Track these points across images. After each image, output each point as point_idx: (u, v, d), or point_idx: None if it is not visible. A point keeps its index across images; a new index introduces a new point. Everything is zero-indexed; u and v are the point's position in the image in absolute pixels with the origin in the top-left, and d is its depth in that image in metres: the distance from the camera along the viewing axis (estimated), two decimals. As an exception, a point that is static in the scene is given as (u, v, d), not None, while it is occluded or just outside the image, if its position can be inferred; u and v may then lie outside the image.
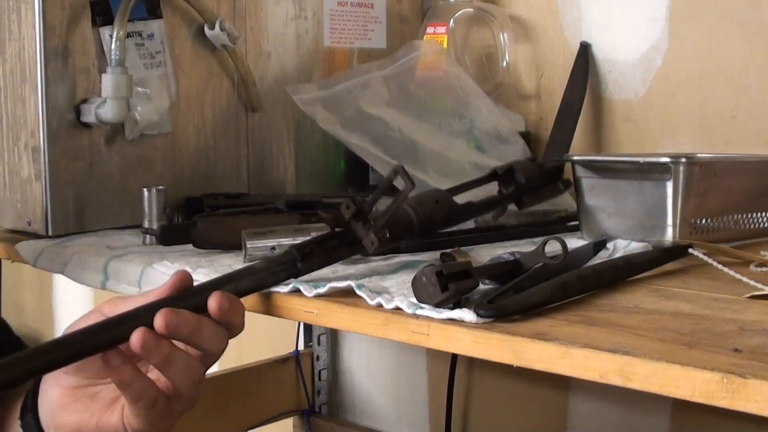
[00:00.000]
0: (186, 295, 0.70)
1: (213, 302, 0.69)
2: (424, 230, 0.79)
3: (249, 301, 0.79)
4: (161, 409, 0.71)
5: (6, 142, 1.10)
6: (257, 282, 0.74)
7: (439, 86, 1.26)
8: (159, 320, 0.66)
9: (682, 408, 1.31)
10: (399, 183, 0.75)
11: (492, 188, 0.94)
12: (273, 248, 0.88)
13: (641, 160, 0.98)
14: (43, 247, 1.01)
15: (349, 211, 0.75)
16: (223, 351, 0.72)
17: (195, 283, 0.73)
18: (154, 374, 0.72)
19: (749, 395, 0.51)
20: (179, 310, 0.68)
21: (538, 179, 0.90)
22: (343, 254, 0.78)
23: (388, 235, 0.75)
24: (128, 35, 1.07)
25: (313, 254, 0.75)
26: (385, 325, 0.69)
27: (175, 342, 0.69)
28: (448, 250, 0.85)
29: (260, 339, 1.81)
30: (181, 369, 0.69)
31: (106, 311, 0.73)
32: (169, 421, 0.73)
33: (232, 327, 0.71)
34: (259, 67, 1.23)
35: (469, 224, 1.06)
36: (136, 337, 0.66)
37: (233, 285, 0.72)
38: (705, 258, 0.85)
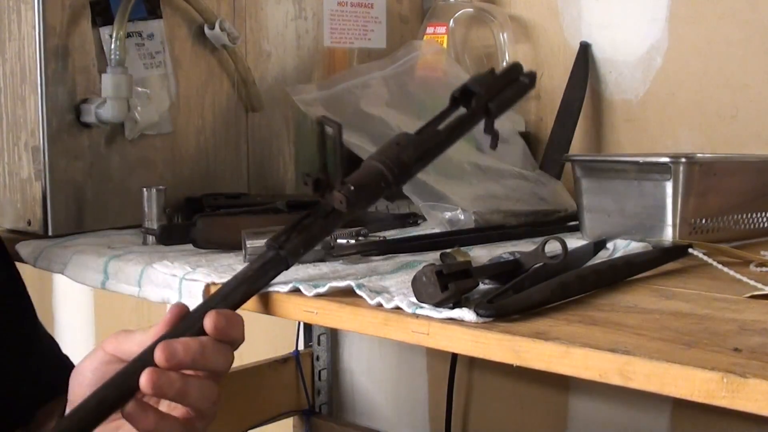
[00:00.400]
0: (183, 325, 0.70)
1: (209, 323, 0.69)
2: (399, 176, 0.75)
3: (249, 301, 0.79)
4: None
5: (6, 142, 1.10)
6: (249, 288, 0.73)
7: (439, 86, 1.26)
8: (159, 354, 0.66)
9: (682, 408, 1.31)
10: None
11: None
12: (273, 248, 0.88)
13: (641, 160, 0.98)
14: (43, 247, 1.01)
15: (309, 186, 0.73)
16: (230, 366, 0.72)
17: (192, 305, 0.73)
18: (165, 405, 0.72)
19: (749, 394, 0.51)
20: (178, 339, 0.68)
21: (496, 83, 0.84)
22: (321, 227, 0.75)
23: (352, 188, 0.72)
24: (128, 35, 1.07)
25: (292, 238, 0.73)
26: (385, 324, 0.70)
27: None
28: (448, 250, 0.85)
29: (260, 339, 1.80)
30: (197, 394, 0.69)
31: (109, 349, 0.73)
32: None
33: (233, 342, 0.71)
34: (259, 67, 1.23)
35: (470, 224, 1.06)
36: (145, 381, 0.66)
37: (225, 301, 0.72)
38: (705, 258, 0.85)
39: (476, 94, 0.82)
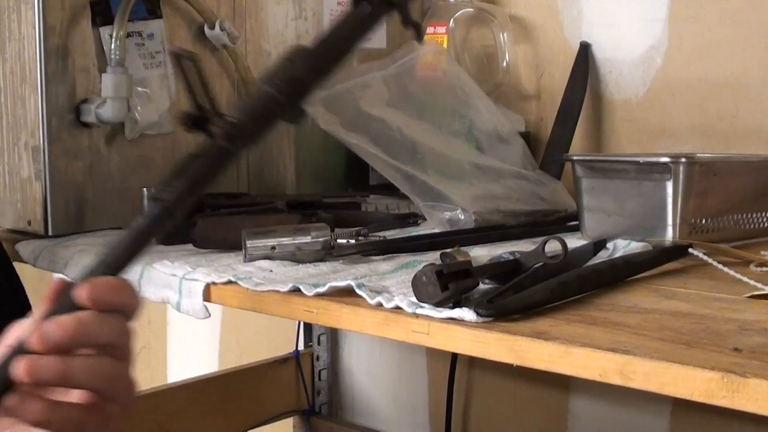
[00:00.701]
0: (63, 302, 0.62)
1: (83, 295, 0.61)
2: (292, 95, 0.66)
3: (249, 300, 0.79)
4: (97, 422, 0.64)
5: (6, 142, 1.10)
6: (134, 250, 0.66)
7: (439, 86, 1.26)
8: (33, 339, 0.60)
9: (682, 408, 1.31)
10: None
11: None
12: (273, 248, 0.88)
13: (641, 160, 0.98)
14: (43, 247, 1.01)
15: (187, 124, 0.65)
16: (127, 337, 0.64)
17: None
18: (75, 393, 0.65)
19: (749, 394, 0.51)
20: (52, 319, 0.61)
21: None
22: (207, 169, 0.67)
23: (232, 119, 0.65)
24: (128, 35, 1.07)
25: (175, 186, 0.66)
26: (385, 324, 0.70)
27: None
28: (448, 250, 0.85)
29: (260, 339, 1.80)
30: (84, 375, 0.62)
31: (8, 342, 0.65)
32: (115, 426, 0.66)
33: (122, 308, 0.63)
34: (259, 67, 1.23)
35: (470, 224, 1.06)
36: (21, 369, 0.59)
37: (107, 267, 0.64)
38: (705, 258, 0.85)
39: None
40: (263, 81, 0.66)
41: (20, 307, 0.98)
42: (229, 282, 0.82)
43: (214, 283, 0.82)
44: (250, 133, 0.66)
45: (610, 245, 0.92)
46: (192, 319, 0.87)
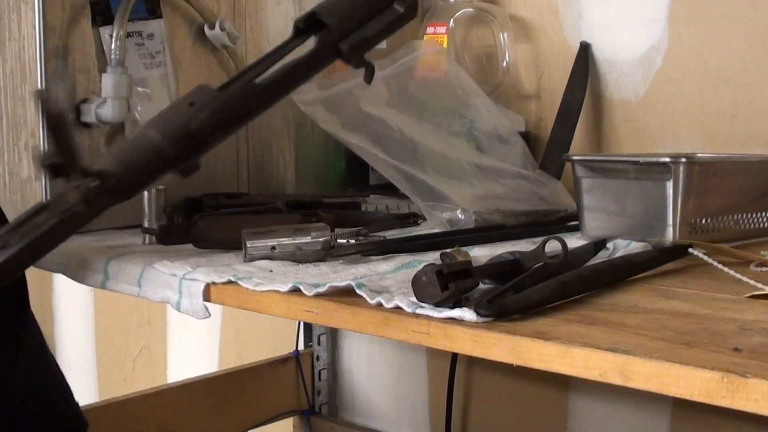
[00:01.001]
0: None
1: None
2: (184, 151, 0.55)
3: (249, 300, 0.79)
4: None
5: (6, 142, 1.10)
6: None
7: (439, 86, 1.26)
8: None
9: (682, 408, 1.31)
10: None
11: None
12: (273, 248, 0.88)
13: (641, 160, 0.98)
14: (43, 247, 1.01)
15: (49, 171, 0.53)
16: None
17: None
18: None
19: (749, 394, 0.51)
20: None
21: (356, 11, 0.60)
22: (54, 233, 0.54)
23: (95, 183, 0.54)
24: (128, 35, 1.07)
25: (11, 245, 0.53)
26: (385, 324, 0.69)
27: None
28: (448, 250, 0.85)
29: (260, 339, 1.80)
30: None
31: None
32: None
33: None
34: (259, 67, 1.23)
35: (470, 224, 1.06)
36: None
37: None
38: (705, 258, 0.85)
39: (328, 26, 0.59)
40: (154, 127, 0.54)
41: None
42: (229, 282, 0.81)
43: (214, 283, 0.82)
44: (123, 190, 0.55)
45: (610, 245, 0.92)
46: (192, 319, 0.87)
